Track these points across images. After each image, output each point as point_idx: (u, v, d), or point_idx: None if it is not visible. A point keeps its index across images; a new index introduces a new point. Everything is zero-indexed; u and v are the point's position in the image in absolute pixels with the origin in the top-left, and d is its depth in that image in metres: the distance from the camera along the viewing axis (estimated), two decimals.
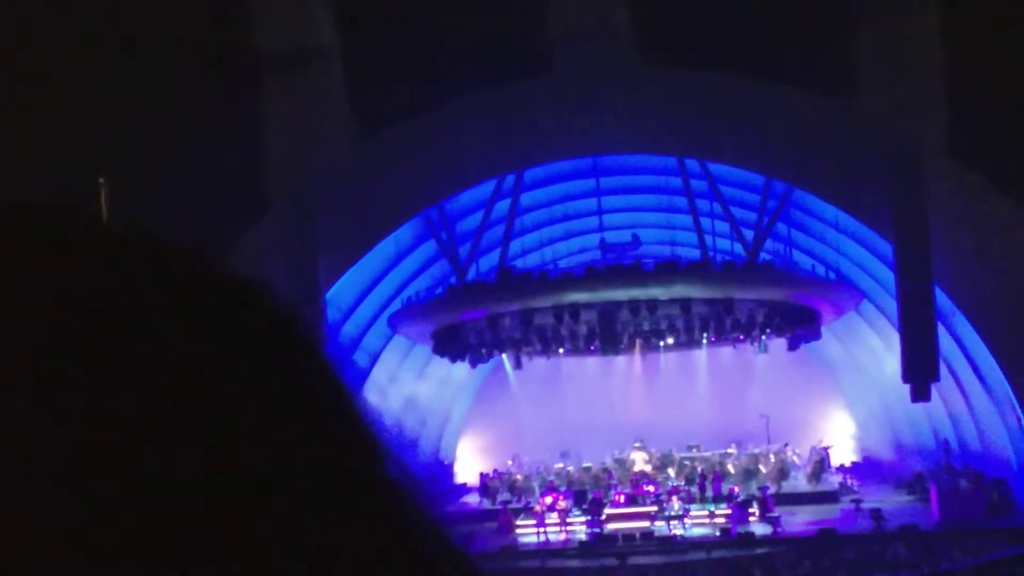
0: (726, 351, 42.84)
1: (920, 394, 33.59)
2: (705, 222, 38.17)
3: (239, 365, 0.67)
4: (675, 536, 33.09)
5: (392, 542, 0.69)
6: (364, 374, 38.38)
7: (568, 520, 34.87)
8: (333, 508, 0.67)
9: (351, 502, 0.68)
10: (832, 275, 37.91)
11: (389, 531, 0.69)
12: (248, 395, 0.66)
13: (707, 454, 40.68)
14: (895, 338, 34.62)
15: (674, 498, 34.86)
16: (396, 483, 0.71)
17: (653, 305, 34.53)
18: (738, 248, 37.57)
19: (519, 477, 40.92)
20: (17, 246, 0.66)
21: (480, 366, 41.18)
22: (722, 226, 38.30)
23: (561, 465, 41.15)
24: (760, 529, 33.16)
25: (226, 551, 0.62)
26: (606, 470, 39.83)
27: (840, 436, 44.39)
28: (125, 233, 0.69)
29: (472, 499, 40.95)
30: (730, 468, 39.34)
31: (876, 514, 32.37)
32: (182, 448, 0.62)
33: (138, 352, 0.63)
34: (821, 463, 40.10)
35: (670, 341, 39.36)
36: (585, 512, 34.81)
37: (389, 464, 0.71)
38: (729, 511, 34.43)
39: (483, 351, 38.08)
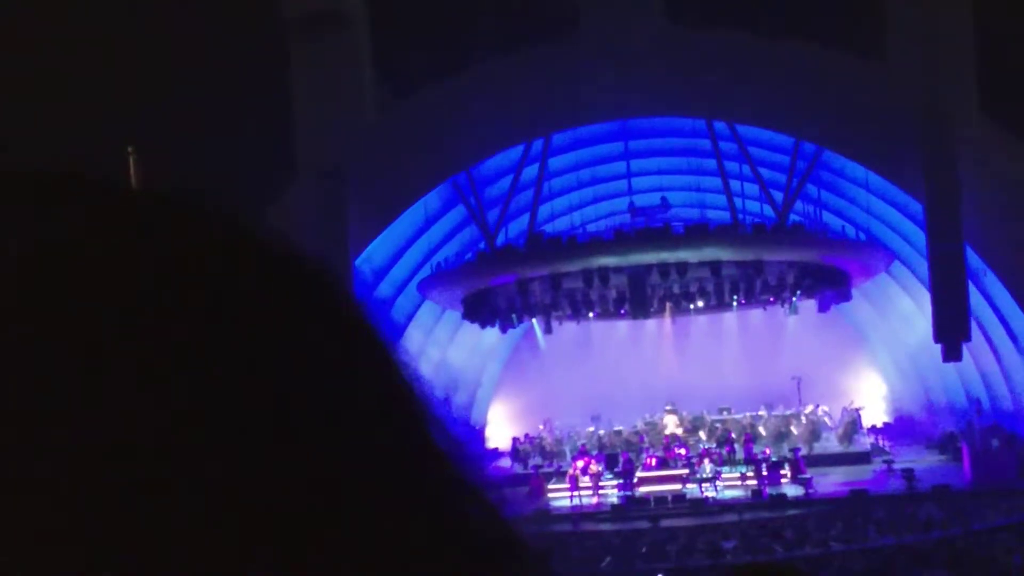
0: (756, 313, 42.79)
1: (951, 354, 33.50)
2: (735, 184, 38.03)
3: (284, 338, 0.65)
4: (707, 499, 33.14)
5: (446, 519, 0.69)
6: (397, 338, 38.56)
7: (600, 484, 34.99)
8: (388, 487, 0.66)
9: (407, 480, 0.68)
10: (862, 236, 37.74)
11: (442, 504, 0.69)
12: (297, 368, 0.65)
13: (738, 416, 40.63)
14: (926, 298, 34.52)
15: (706, 461, 34.89)
16: (442, 450, 0.71)
17: (683, 268, 34.48)
18: (768, 210, 37.46)
19: (550, 441, 41.06)
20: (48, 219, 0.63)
21: (510, 331, 41.24)
22: (752, 188, 38.19)
23: (592, 429, 41.22)
24: (792, 491, 33.17)
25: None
26: (637, 433, 39.86)
27: (871, 397, 44.32)
28: (163, 200, 0.68)
29: (504, 464, 41.11)
30: (761, 430, 39.31)
31: (908, 474, 32.32)
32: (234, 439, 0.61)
33: (186, 334, 0.62)
34: (853, 424, 40.06)
35: (700, 304, 39.33)
36: (617, 476, 34.90)
37: (434, 430, 0.72)
38: (761, 473, 34.45)
39: (513, 316, 38.11)
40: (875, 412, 43.69)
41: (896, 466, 34.64)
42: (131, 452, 0.58)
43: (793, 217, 37.26)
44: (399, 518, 0.65)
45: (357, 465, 0.64)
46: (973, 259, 33.48)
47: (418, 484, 0.68)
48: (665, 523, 30.20)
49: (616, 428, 40.72)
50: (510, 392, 47.28)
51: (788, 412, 40.37)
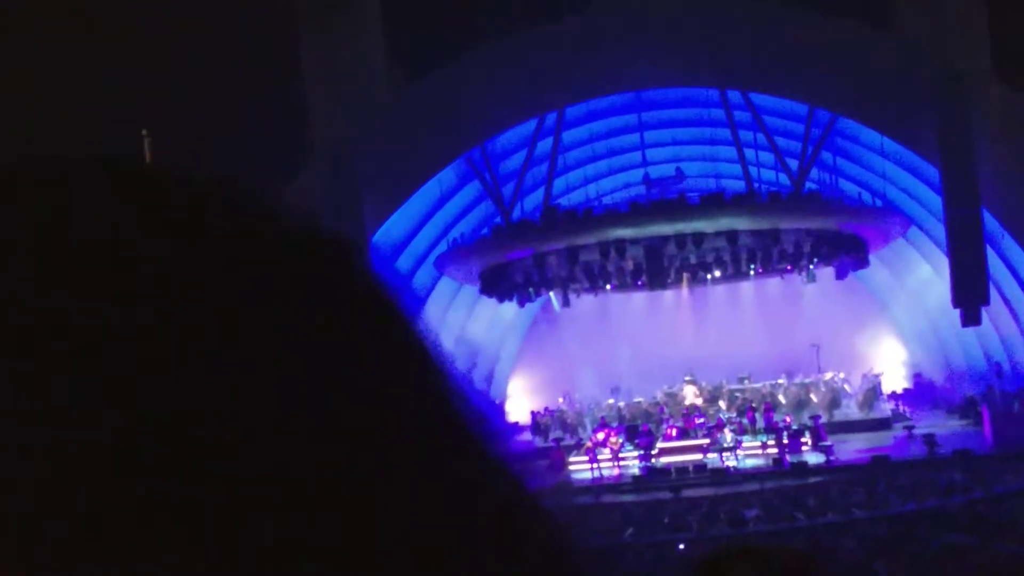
0: (774, 282, 42.66)
1: (970, 318, 33.44)
2: (749, 153, 37.96)
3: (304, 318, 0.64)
4: (728, 468, 33.12)
5: (478, 497, 0.68)
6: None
7: (620, 455, 35.03)
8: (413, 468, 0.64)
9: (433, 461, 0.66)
10: (879, 202, 37.66)
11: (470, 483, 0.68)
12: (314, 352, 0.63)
13: (758, 385, 40.58)
14: (944, 263, 34.44)
15: (726, 430, 34.87)
16: (469, 424, 0.70)
17: (699, 238, 34.45)
18: (783, 178, 37.38)
19: (571, 414, 41.09)
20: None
21: (528, 305, 41.27)
22: (767, 157, 38.11)
23: (612, 401, 41.22)
24: (813, 458, 33.12)
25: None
26: (657, 404, 39.86)
27: (891, 363, 44.21)
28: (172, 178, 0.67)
29: (525, 437, 41.12)
30: (781, 398, 39.29)
31: (929, 440, 32.24)
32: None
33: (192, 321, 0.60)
34: (873, 390, 40.00)
35: (717, 274, 39.26)
36: (637, 447, 34.93)
37: (460, 404, 0.71)
38: (782, 441, 34.43)
39: (530, 290, 38.13)
40: (895, 378, 43.59)
41: (917, 431, 34.56)
42: (133, 452, 0.56)
43: (809, 185, 37.17)
44: (434, 501, 0.63)
45: (382, 449, 0.63)
46: (991, 223, 33.37)
47: (450, 463, 0.66)
48: (686, 493, 30.21)
49: (636, 399, 40.71)
50: (529, 366, 47.33)
51: (808, 380, 40.34)
